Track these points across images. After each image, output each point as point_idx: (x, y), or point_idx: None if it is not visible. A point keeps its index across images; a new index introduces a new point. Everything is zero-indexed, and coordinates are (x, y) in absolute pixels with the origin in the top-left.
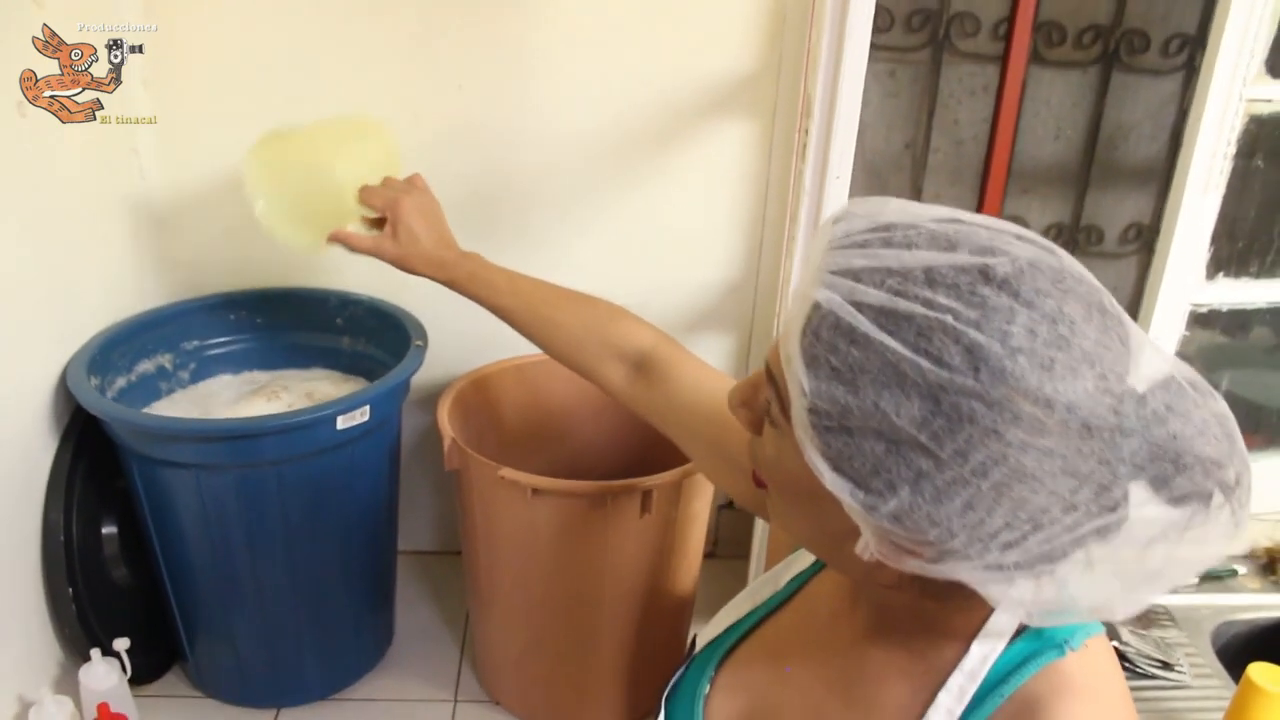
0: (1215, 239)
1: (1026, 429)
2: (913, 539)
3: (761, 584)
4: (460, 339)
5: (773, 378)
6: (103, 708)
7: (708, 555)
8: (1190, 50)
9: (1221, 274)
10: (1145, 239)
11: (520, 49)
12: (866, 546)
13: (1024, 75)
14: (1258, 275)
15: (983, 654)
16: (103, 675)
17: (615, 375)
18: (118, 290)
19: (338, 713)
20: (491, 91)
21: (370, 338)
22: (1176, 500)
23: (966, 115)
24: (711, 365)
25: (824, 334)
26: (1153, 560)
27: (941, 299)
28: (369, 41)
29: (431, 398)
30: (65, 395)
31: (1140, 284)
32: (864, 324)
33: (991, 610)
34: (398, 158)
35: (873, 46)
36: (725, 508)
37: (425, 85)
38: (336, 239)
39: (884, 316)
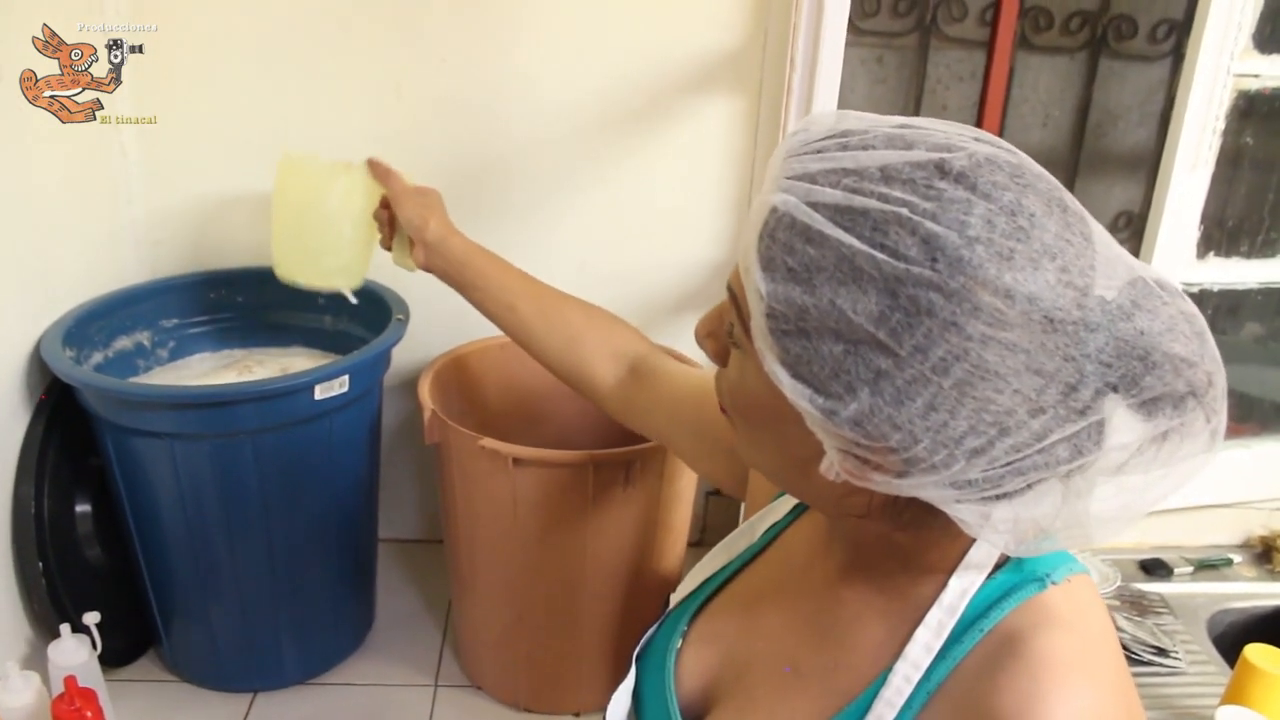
0: (1205, 218)
1: (987, 321)
2: (876, 448)
3: (736, 537)
4: (442, 321)
5: (734, 297)
6: (70, 681)
7: (695, 543)
8: (1178, 36)
9: (1212, 253)
10: (1135, 227)
11: (505, 22)
12: (831, 466)
13: (1011, 61)
14: (1248, 255)
15: (961, 588)
16: (72, 651)
17: (608, 374)
18: (97, 266)
19: (315, 697)
20: (475, 65)
21: (353, 316)
22: (1148, 405)
23: (954, 101)
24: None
25: (780, 235)
26: (1129, 482)
27: (897, 193)
28: (351, 14)
29: (412, 383)
30: (39, 367)
31: None
32: (819, 222)
33: (969, 545)
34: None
35: (860, 31)
36: (713, 494)
37: (408, 58)
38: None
39: (840, 214)
